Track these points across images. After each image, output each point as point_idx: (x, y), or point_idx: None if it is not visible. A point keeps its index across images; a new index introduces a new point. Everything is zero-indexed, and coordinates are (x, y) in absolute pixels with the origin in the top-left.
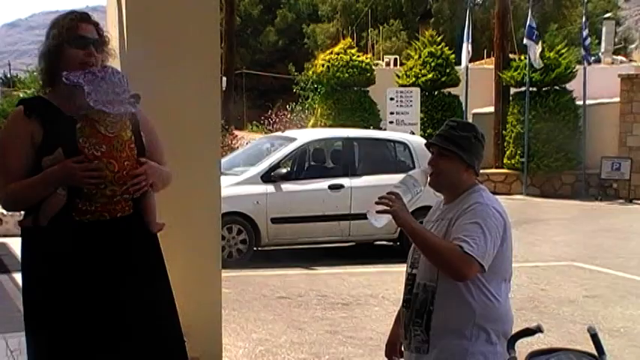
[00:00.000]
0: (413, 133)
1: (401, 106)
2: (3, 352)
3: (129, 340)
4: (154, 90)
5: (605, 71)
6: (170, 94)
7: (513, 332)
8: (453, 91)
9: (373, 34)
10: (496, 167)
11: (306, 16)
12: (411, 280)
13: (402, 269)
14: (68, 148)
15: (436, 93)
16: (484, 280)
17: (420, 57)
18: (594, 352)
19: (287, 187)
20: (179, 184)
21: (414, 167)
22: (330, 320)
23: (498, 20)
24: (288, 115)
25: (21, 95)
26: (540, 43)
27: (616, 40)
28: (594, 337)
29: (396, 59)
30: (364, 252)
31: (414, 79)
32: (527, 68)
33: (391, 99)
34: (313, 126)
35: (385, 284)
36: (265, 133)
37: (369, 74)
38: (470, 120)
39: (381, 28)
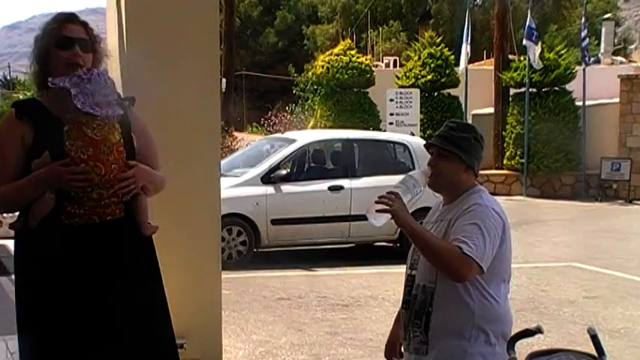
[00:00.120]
0: (413, 134)
1: (401, 107)
2: (3, 354)
3: (119, 344)
4: (153, 91)
5: (605, 72)
6: (170, 96)
7: (513, 333)
8: (453, 92)
9: (373, 36)
10: (496, 168)
11: (305, 18)
12: (410, 281)
13: (401, 270)
14: (55, 150)
15: (436, 94)
16: (483, 282)
17: (419, 58)
18: (594, 352)
19: (287, 188)
20: (179, 186)
21: (413, 168)
22: (330, 321)
23: (498, 21)
24: (288, 117)
25: (20, 97)
26: (540, 43)
27: (615, 40)
28: (594, 338)
29: (395, 60)
30: (364, 253)
31: (413, 80)
32: (526, 69)
33: (391, 100)
34: (313, 127)
35: (385, 285)
36: (265, 134)
37: (368, 75)
38: (469, 121)
39: (380, 29)
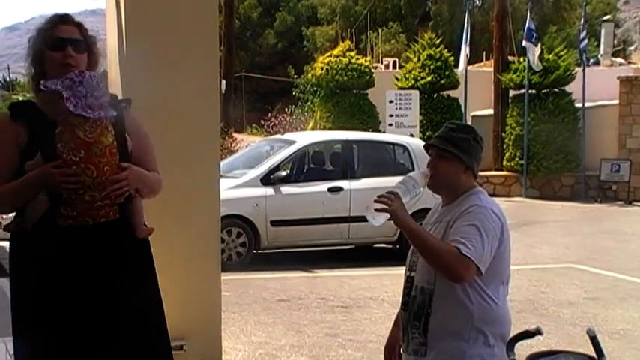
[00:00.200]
0: (412, 136)
1: (400, 108)
2: (3, 355)
3: (113, 346)
4: (153, 93)
5: (604, 73)
6: (169, 97)
7: (513, 334)
8: (452, 93)
9: (372, 37)
10: (495, 169)
11: (305, 19)
12: (409, 282)
13: (401, 272)
14: (47, 152)
15: (435, 95)
16: (482, 283)
17: (419, 59)
18: (594, 354)
19: (286, 189)
20: (178, 187)
21: (413, 170)
22: (330, 323)
23: (497, 23)
24: (288, 118)
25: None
26: (539, 45)
27: (615, 42)
28: (593, 340)
29: (395, 62)
30: (364, 254)
31: (413, 81)
32: (526, 70)
33: (390, 101)
34: (312, 129)
35: (385, 287)
36: (265, 135)
37: (368, 77)
38: (469, 122)
39: (380, 30)
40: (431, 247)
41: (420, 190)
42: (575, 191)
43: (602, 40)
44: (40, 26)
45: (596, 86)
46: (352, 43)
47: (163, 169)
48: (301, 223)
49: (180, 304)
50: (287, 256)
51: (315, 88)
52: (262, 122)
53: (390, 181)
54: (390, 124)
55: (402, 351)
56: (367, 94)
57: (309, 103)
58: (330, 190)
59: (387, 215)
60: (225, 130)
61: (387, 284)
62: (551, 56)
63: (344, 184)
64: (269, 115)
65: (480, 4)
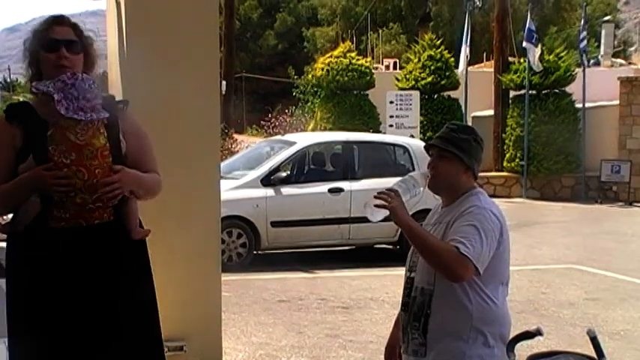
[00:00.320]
0: (412, 137)
1: (400, 109)
2: (3, 355)
3: (105, 348)
4: (153, 93)
5: (605, 74)
6: (170, 98)
7: (513, 335)
8: (453, 94)
9: (373, 38)
10: (496, 170)
11: (305, 20)
12: (409, 283)
13: (402, 272)
14: (39, 155)
15: (436, 96)
16: (481, 284)
17: (419, 60)
18: (594, 354)
19: (287, 190)
20: (179, 188)
21: (413, 170)
22: (331, 324)
23: (497, 23)
24: (288, 119)
25: (20, 99)
26: (540, 46)
27: (615, 42)
28: (594, 340)
29: (395, 62)
30: (364, 255)
31: (413, 82)
32: (526, 71)
33: (391, 102)
34: (313, 129)
35: (385, 287)
36: (265, 136)
37: (368, 78)
38: (469, 123)
39: (380, 31)
40: (430, 246)
41: (419, 189)
42: (576, 192)
43: (602, 40)
44: (36, 27)
45: (596, 87)
46: (352, 43)
47: (164, 169)
48: (302, 224)
49: (180, 305)
50: (287, 257)
51: (315, 89)
52: (263, 123)
53: (391, 182)
54: (391, 125)
55: (402, 352)
56: (367, 94)
57: (309, 103)
58: (330, 190)
59: (386, 212)
60: (226, 130)
61: (388, 285)
62: (551, 57)
63: (344, 184)
64: (269, 115)
65: (480, 5)
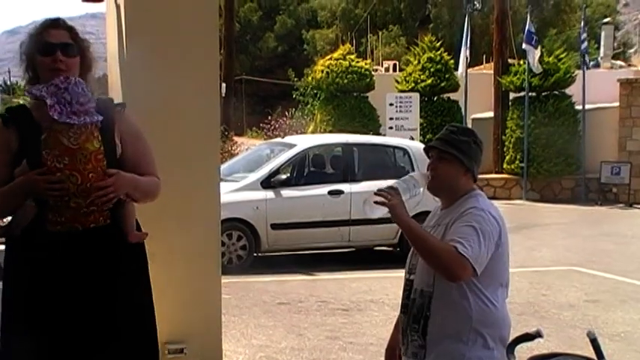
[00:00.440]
0: (412, 139)
1: (400, 111)
2: None
3: (100, 352)
4: (153, 95)
5: (605, 76)
6: (169, 100)
7: (513, 337)
8: (453, 96)
9: (372, 40)
10: (496, 172)
11: (305, 22)
12: (408, 285)
13: (402, 274)
14: (33, 159)
15: (435, 98)
16: (480, 285)
17: (419, 62)
18: (594, 356)
19: (287, 193)
20: (179, 191)
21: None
22: (331, 326)
23: (497, 25)
24: (288, 121)
25: (21, 102)
26: (539, 48)
27: (615, 44)
28: (594, 342)
29: (395, 65)
30: (364, 257)
31: (413, 84)
32: (526, 73)
33: (390, 104)
34: (313, 132)
35: (385, 289)
36: (265, 139)
37: (368, 80)
38: (469, 125)
39: (380, 33)
40: (428, 245)
41: (419, 190)
42: (576, 194)
43: (602, 42)
44: (31, 31)
45: (596, 89)
46: (352, 46)
47: (164, 171)
48: (302, 226)
49: (180, 307)
50: (287, 260)
51: (315, 91)
52: (263, 125)
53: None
54: (391, 127)
55: (401, 354)
56: (367, 97)
57: (309, 106)
58: (330, 193)
59: (385, 209)
60: (226, 133)
61: (388, 287)
62: (551, 59)
63: (344, 187)
64: (269, 118)
65: (479, 7)
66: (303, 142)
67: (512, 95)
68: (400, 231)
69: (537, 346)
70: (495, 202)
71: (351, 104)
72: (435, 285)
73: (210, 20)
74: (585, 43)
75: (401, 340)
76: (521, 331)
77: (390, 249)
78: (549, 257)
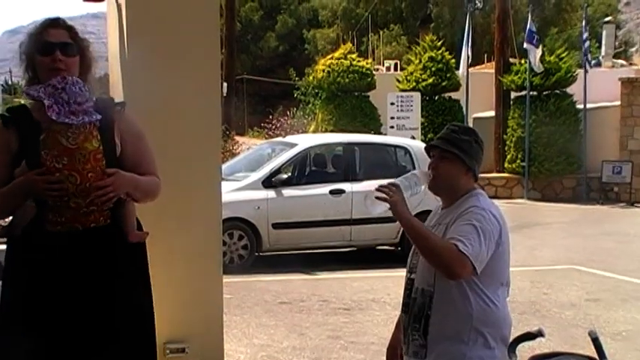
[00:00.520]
0: (414, 138)
1: (401, 110)
2: None
3: (99, 353)
4: (154, 95)
5: (606, 75)
6: (171, 100)
7: (515, 336)
8: (454, 95)
9: (373, 39)
10: (497, 171)
11: (306, 22)
12: (409, 284)
13: (403, 274)
14: (32, 160)
15: (437, 98)
16: (481, 285)
17: (420, 62)
18: (596, 355)
19: (288, 192)
20: (180, 190)
21: None
22: (332, 325)
23: (498, 24)
24: (289, 121)
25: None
26: (541, 47)
27: (616, 43)
28: (595, 341)
29: (396, 64)
30: (366, 257)
31: (414, 83)
32: (527, 72)
33: (392, 104)
34: (314, 131)
35: (387, 289)
36: (266, 138)
37: (369, 79)
38: (470, 124)
39: (381, 33)
40: (429, 243)
41: (421, 187)
42: (577, 193)
43: (603, 41)
44: (31, 31)
45: (597, 88)
46: (353, 45)
47: (165, 171)
48: (303, 226)
49: (181, 307)
50: (289, 259)
51: (316, 91)
52: (264, 125)
53: None
54: (392, 127)
55: (403, 353)
56: (368, 96)
57: (310, 105)
58: (331, 192)
59: (386, 205)
60: (227, 132)
61: (389, 286)
62: (552, 58)
63: (346, 186)
64: (270, 117)
65: (481, 7)
66: (305, 141)
67: (513, 94)
68: (401, 230)
69: (539, 346)
70: (497, 202)
71: (352, 103)
72: (436, 284)
73: (211, 20)
74: (586, 42)
75: (402, 340)
76: (522, 330)
77: (392, 248)
78: (550, 256)
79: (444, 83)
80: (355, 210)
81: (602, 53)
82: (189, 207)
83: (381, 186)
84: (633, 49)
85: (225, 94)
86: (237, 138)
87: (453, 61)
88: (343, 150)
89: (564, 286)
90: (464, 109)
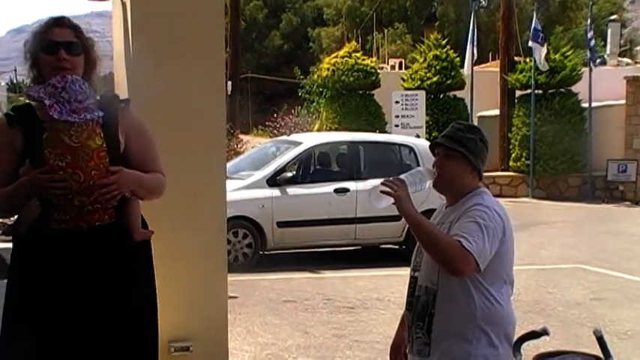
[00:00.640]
0: (418, 137)
1: (406, 109)
2: None
3: (102, 352)
4: (159, 94)
5: (611, 73)
6: (175, 99)
7: (520, 335)
8: (459, 94)
9: (378, 38)
10: (502, 170)
11: (311, 20)
12: (413, 282)
13: (408, 272)
14: (35, 158)
15: (441, 96)
16: (485, 283)
17: (425, 60)
18: (601, 354)
19: (293, 190)
20: (184, 189)
21: None
22: (337, 324)
23: (503, 23)
24: (294, 119)
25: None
26: (546, 45)
27: (621, 42)
28: (600, 340)
29: (401, 62)
30: (370, 255)
31: (419, 82)
32: (532, 71)
33: (396, 102)
34: (319, 130)
35: (391, 287)
36: (271, 137)
37: (374, 78)
38: (475, 123)
39: (386, 31)
40: (432, 238)
41: (425, 184)
42: (582, 192)
43: (608, 40)
44: (36, 29)
45: (602, 86)
46: (358, 43)
47: (169, 169)
48: (307, 224)
49: (186, 306)
50: (293, 257)
51: (321, 89)
52: (268, 123)
53: None
54: (396, 125)
55: (407, 351)
56: (373, 94)
57: (315, 104)
58: (336, 191)
59: (390, 200)
60: (232, 131)
61: (394, 285)
62: (557, 56)
63: (350, 185)
64: (275, 116)
65: (486, 5)
66: (309, 140)
67: (518, 93)
68: (406, 229)
69: (544, 344)
70: (501, 200)
71: (356, 102)
72: (440, 282)
73: (215, 18)
74: (592, 41)
75: (407, 338)
76: (527, 328)
77: (396, 247)
78: (555, 255)
79: (448, 82)
80: (360, 208)
81: (608, 52)
82: (193, 205)
83: (386, 180)
84: (638, 48)
85: (229, 93)
86: (241, 136)
87: (458, 59)
88: (348, 148)
89: (569, 284)
90: (468, 107)
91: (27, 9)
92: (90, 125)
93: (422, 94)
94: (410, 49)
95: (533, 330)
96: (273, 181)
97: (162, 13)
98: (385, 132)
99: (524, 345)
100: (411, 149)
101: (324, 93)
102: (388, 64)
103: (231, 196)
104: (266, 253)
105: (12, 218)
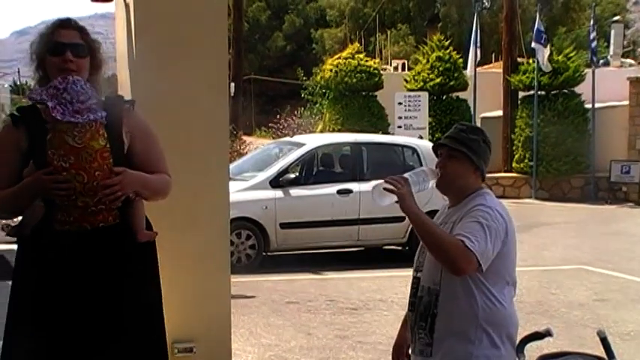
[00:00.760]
0: (421, 138)
1: (409, 110)
2: None
3: (107, 352)
4: (161, 95)
5: (614, 74)
6: (178, 100)
7: (523, 336)
8: (462, 95)
9: (381, 39)
10: (505, 171)
11: (314, 22)
12: (416, 283)
13: (411, 273)
14: (39, 159)
15: (444, 97)
16: (487, 283)
17: (428, 61)
18: (604, 355)
19: (296, 192)
20: (188, 190)
21: None
22: (340, 325)
23: (506, 24)
24: (297, 120)
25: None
26: (549, 46)
27: (625, 43)
28: (604, 341)
29: (404, 64)
30: (373, 256)
31: (422, 83)
32: (535, 72)
33: (399, 103)
34: (322, 131)
35: (394, 288)
36: (274, 138)
37: (377, 79)
38: (478, 124)
39: (388, 32)
40: (435, 237)
41: (428, 184)
42: (585, 193)
43: (611, 40)
44: (42, 31)
45: (605, 87)
46: (361, 45)
47: (173, 171)
48: (310, 226)
49: (189, 306)
50: (296, 259)
51: (324, 91)
52: (271, 125)
53: None
54: (399, 126)
55: (410, 352)
56: (376, 96)
57: (318, 105)
58: (339, 192)
59: (393, 197)
60: (235, 132)
61: (397, 286)
62: (560, 57)
63: (353, 186)
64: (278, 117)
65: (488, 6)
66: (312, 141)
67: (521, 94)
68: (409, 230)
69: (547, 345)
70: (504, 201)
71: (359, 103)
72: (442, 282)
73: (218, 20)
74: (595, 42)
75: (409, 338)
76: (530, 330)
77: (399, 248)
78: (558, 256)
79: (451, 83)
80: (363, 210)
81: (611, 52)
82: (197, 207)
83: (390, 177)
84: None
85: (232, 94)
86: (244, 138)
87: (461, 60)
88: (351, 150)
89: (572, 285)
90: (471, 108)
91: (30, 11)
92: (93, 126)
93: (425, 95)
94: (413, 50)
95: (537, 331)
96: (276, 182)
97: (165, 14)
98: (388, 133)
99: (528, 346)
100: (413, 150)
101: (326, 94)
102: (391, 65)
103: (234, 197)
104: (269, 254)
105: (16, 219)
